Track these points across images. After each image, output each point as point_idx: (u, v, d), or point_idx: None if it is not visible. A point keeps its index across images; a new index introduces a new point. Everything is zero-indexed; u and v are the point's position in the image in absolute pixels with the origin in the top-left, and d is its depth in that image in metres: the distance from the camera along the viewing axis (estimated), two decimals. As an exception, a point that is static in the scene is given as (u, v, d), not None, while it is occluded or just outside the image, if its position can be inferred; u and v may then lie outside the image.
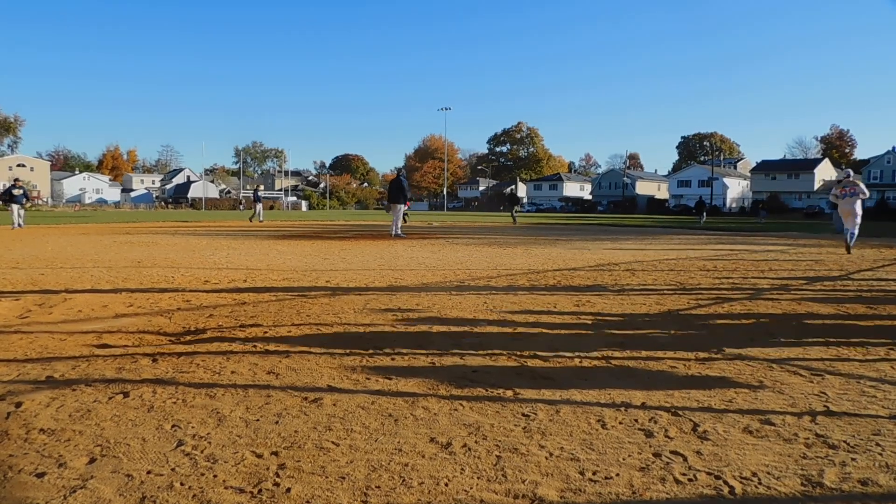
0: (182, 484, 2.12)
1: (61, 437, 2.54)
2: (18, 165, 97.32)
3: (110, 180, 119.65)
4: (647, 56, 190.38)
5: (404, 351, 4.03)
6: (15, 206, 20.67)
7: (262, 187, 42.90)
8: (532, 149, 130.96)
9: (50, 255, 10.87)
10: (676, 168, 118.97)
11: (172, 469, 2.24)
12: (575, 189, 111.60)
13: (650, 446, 2.49)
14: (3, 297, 6.03)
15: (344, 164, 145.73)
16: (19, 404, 2.95)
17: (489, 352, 4.02)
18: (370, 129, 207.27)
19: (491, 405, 2.98)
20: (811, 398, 3.13)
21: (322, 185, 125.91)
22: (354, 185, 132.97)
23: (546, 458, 2.36)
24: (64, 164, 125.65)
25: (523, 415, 2.84)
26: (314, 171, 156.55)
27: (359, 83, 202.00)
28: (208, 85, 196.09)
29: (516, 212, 32.96)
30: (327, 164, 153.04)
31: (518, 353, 4.00)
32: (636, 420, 2.79)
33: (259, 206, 30.26)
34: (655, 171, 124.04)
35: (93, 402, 2.98)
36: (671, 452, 2.43)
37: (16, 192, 20.84)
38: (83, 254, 11.28)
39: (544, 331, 4.71)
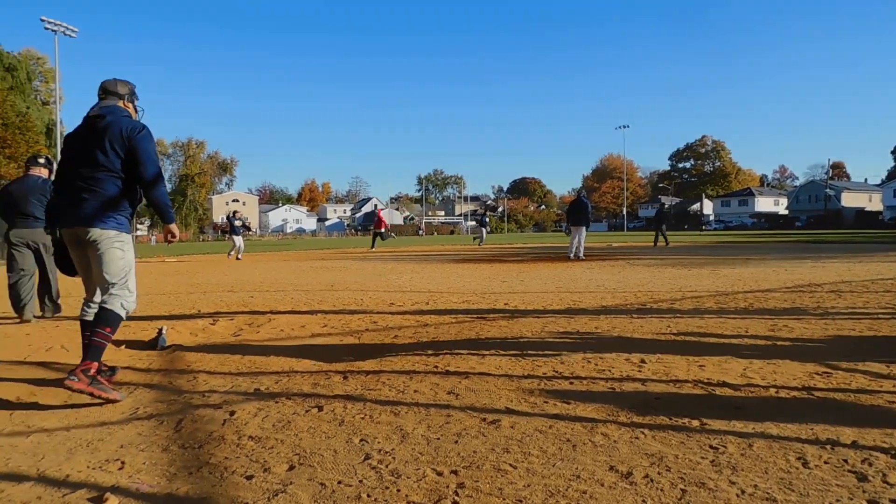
0: (368, 496, 2.24)
1: (266, 445, 2.80)
2: (233, 200, 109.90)
3: (307, 211, 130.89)
4: (847, 50, 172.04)
5: (583, 375, 3.95)
6: (236, 238, 21.75)
7: (488, 212, 45.66)
8: (718, 163, 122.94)
9: (258, 280, 12.10)
10: (892, 176, 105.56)
11: (360, 481, 2.38)
12: (768, 204, 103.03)
13: (864, 491, 2.21)
14: (221, 317, 6.80)
15: (521, 188, 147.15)
16: (233, 413, 3.30)
17: (673, 378, 3.82)
18: (547, 152, 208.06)
19: (675, 435, 2.82)
20: None
21: (500, 209, 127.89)
22: (532, 208, 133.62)
23: (737, 496, 2.19)
24: (269, 198, 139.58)
25: (711, 447, 2.66)
26: (492, 196, 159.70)
27: (535, 107, 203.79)
28: (392, 114, 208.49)
29: (664, 231, 27.06)
30: (505, 188, 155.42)
31: (705, 380, 3.76)
32: (845, 460, 2.49)
33: (484, 231, 32.46)
34: (865, 180, 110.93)
35: (292, 414, 3.25)
36: (891, 501, 2.14)
37: (236, 223, 21.85)
38: (285, 278, 12.42)
39: (734, 357, 4.38)
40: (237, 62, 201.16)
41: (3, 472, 2.57)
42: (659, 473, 2.39)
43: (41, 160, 7.15)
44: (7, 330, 6.24)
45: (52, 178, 6.54)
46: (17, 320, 6.69)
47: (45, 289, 7.05)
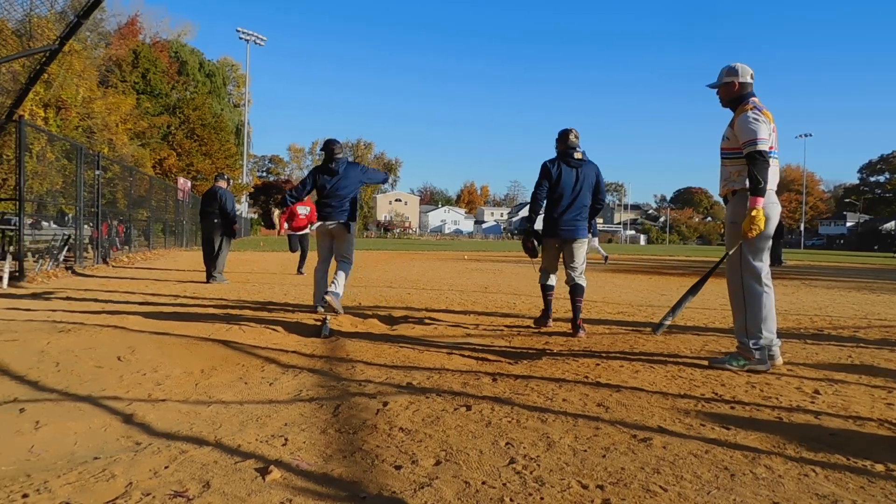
0: (511, 500, 2.24)
1: (415, 438, 2.89)
2: (396, 200, 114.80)
3: (465, 213, 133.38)
4: None
5: (745, 400, 3.68)
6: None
7: None
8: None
9: (415, 277, 12.52)
10: None
11: (504, 484, 2.38)
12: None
13: None
14: (379, 310, 7.12)
15: (686, 198, 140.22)
16: (386, 403, 3.44)
17: (853, 414, 3.45)
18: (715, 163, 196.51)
19: (853, 478, 2.54)
20: None
21: (662, 219, 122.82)
22: (697, 220, 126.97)
23: (927, 554, 1.93)
24: (430, 199, 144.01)
25: (897, 495, 2.36)
26: (654, 205, 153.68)
27: (702, 118, 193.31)
28: (553, 119, 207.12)
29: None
30: (668, 198, 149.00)
31: (894, 420, 3.35)
32: None
33: None
34: None
35: (441, 411, 3.33)
36: None
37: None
38: (440, 278, 12.74)
39: (931, 397, 3.86)
40: (407, 65, 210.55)
41: (188, 436, 2.87)
42: (831, 517, 2.17)
43: (225, 176, 11.59)
44: (197, 308, 6.96)
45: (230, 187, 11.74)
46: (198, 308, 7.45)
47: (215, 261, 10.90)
